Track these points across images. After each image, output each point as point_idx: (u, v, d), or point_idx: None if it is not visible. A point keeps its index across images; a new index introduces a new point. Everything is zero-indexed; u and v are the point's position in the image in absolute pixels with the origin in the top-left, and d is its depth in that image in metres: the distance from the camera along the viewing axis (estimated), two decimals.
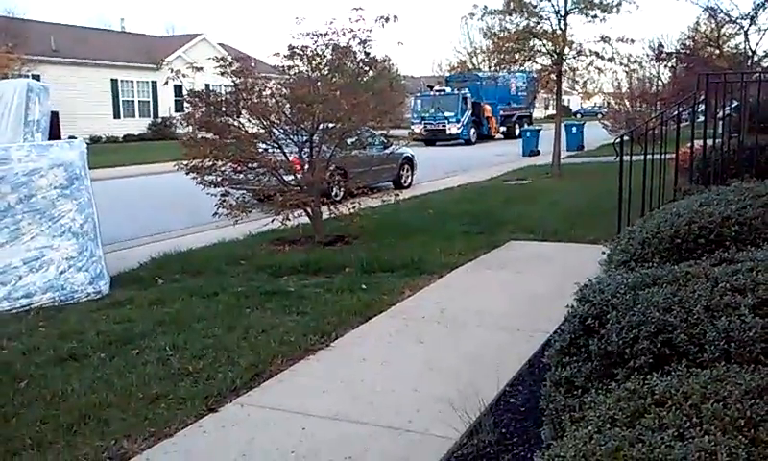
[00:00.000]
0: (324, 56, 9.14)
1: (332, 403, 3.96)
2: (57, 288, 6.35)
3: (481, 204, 12.20)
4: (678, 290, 2.85)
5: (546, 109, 67.66)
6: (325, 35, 8.96)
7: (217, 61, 8.61)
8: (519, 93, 38.19)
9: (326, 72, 9.23)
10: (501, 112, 38.24)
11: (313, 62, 9.04)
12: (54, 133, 7.21)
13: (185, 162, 8.35)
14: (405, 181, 16.08)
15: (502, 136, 37.78)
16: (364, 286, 6.52)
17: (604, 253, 4.40)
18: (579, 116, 59.24)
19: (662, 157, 7.47)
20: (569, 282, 3.59)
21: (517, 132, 34.48)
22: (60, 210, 6.43)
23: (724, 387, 2.10)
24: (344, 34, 8.96)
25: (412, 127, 34.16)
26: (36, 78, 28.67)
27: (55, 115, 7.30)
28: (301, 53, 8.77)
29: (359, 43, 9.11)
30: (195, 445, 3.57)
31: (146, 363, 4.57)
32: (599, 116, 37.70)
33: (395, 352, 4.83)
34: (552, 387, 2.87)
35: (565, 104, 76.60)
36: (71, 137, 8.13)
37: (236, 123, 8.84)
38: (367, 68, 9.68)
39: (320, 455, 3.38)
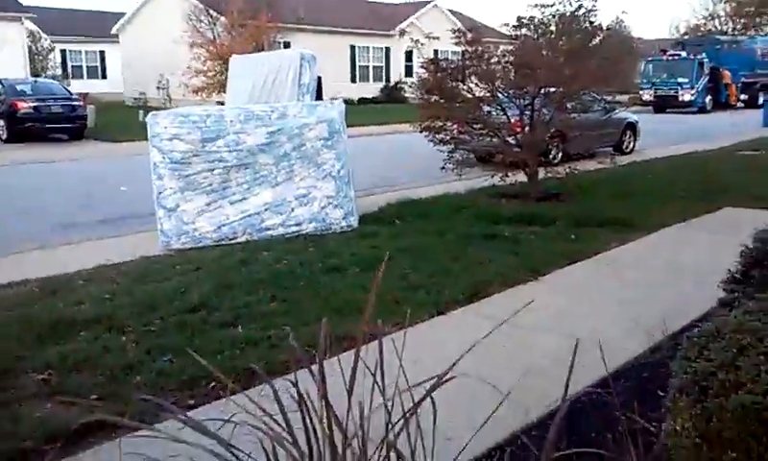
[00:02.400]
0: (550, 25, 9.81)
1: (538, 320, 4.86)
2: (319, 220, 7.89)
3: (704, 172, 12.11)
4: None
5: None
6: (552, 5, 9.62)
7: (453, 33, 9.65)
8: (765, 59, 35.00)
9: (551, 37, 9.88)
10: (743, 79, 35.33)
11: (539, 30, 9.76)
12: (318, 94, 8.76)
13: (419, 122, 9.58)
14: (627, 147, 16.09)
15: (743, 105, 34.97)
16: (573, 236, 7.28)
17: None
18: None
19: None
20: None
21: (760, 100, 31.81)
22: (323, 158, 7.93)
23: None
24: (570, 3, 9.55)
25: (641, 92, 32.93)
26: (287, 45, 32.10)
27: (319, 80, 8.84)
28: (528, 23, 9.51)
29: (584, 12, 9.64)
30: (425, 334, 4.68)
31: (390, 277, 5.79)
32: None
33: (594, 288, 5.59)
34: (718, 306, 3.53)
35: None
36: (332, 99, 9.70)
37: (465, 87, 9.85)
38: (593, 35, 10.17)
39: (526, 353, 4.32)
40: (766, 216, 8.73)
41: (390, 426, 1.84)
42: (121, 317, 5.05)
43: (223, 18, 29.25)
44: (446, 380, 1.84)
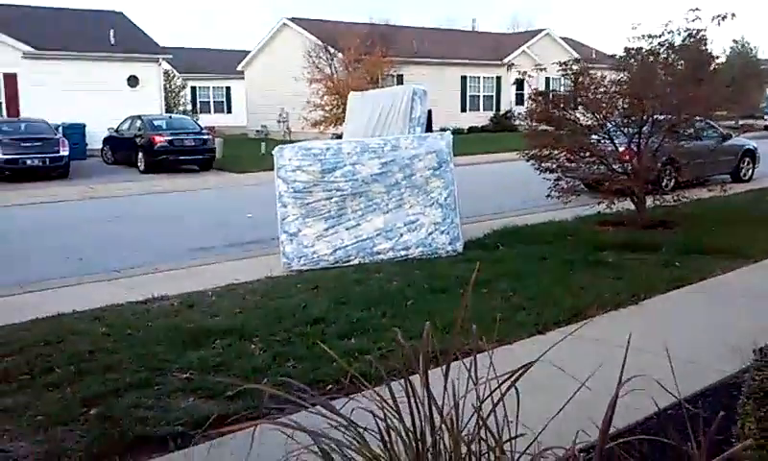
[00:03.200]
0: (659, 54, 9.89)
1: (634, 340, 5.06)
2: (426, 245, 8.38)
3: None
4: None
5: None
6: (660, 35, 9.71)
7: (560, 65, 9.94)
8: None
9: (660, 66, 9.94)
10: None
11: (648, 59, 9.86)
12: (428, 126, 9.29)
13: (526, 151, 9.89)
14: (745, 175, 15.60)
15: None
16: (677, 263, 7.36)
17: None
18: None
19: None
20: None
21: None
22: (431, 186, 8.42)
23: None
24: (679, 33, 9.61)
25: (765, 117, 31.41)
26: (400, 77, 33.15)
27: (429, 112, 9.37)
28: (636, 54, 9.65)
29: (694, 41, 9.66)
30: (527, 350, 5.01)
31: (493, 298, 6.17)
32: None
33: (694, 313, 5.72)
34: None
35: None
36: (442, 130, 10.21)
37: (572, 117, 10.08)
38: (703, 62, 10.15)
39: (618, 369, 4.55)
40: None
41: (480, 408, 2.25)
42: (250, 328, 5.70)
43: (340, 54, 30.65)
44: (529, 367, 2.23)
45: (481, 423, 2.11)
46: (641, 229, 9.41)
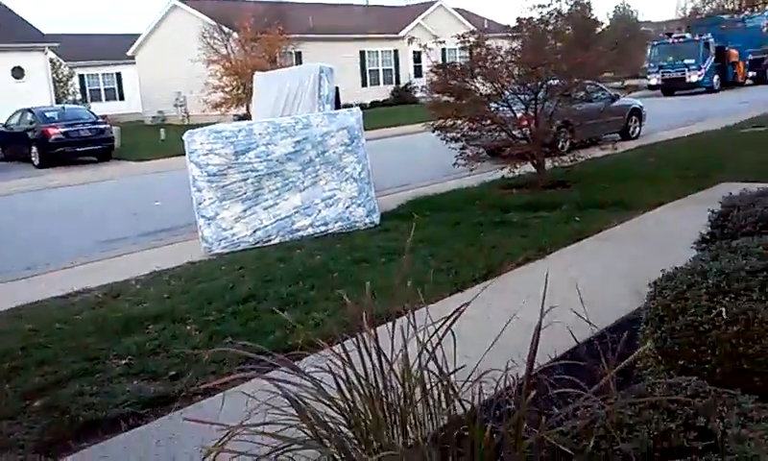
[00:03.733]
0: (549, 22, 10.49)
1: (537, 287, 5.54)
2: (344, 219, 8.65)
3: (705, 151, 12.71)
4: None
5: None
6: (549, 4, 10.31)
7: (457, 38, 10.36)
8: None
9: (550, 34, 10.55)
10: (750, 56, 35.61)
11: (538, 30, 10.45)
12: (337, 103, 9.52)
13: (431, 122, 10.30)
14: (633, 133, 16.66)
15: (751, 82, 35.28)
16: (577, 218, 7.97)
17: None
18: None
19: None
20: None
21: None
22: (345, 162, 8.68)
23: None
24: (566, 2, 10.24)
25: (648, 76, 33.38)
26: (299, 54, 32.97)
27: (336, 90, 9.60)
28: (527, 24, 10.20)
29: (580, 8, 10.31)
30: (450, 306, 5.38)
31: (414, 264, 6.52)
32: None
33: (596, 261, 6.28)
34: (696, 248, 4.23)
35: None
36: (345, 106, 10.45)
37: (472, 87, 10.55)
38: (589, 28, 10.85)
39: (536, 314, 5.00)
40: (756, 189, 9.40)
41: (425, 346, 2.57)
42: (181, 311, 5.82)
43: (235, 34, 30.16)
44: (463, 310, 2.56)
45: (427, 356, 2.41)
46: (542, 189, 10.03)
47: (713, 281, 3.02)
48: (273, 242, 8.42)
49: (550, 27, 10.35)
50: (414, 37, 10.08)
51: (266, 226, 8.53)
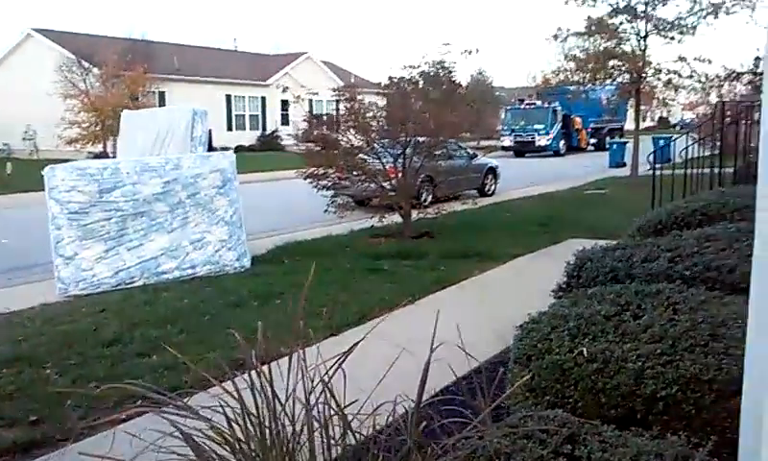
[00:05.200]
0: (418, 82, 11.07)
1: (416, 331, 5.77)
2: (213, 263, 8.52)
3: (554, 209, 13.73)
4: (632, 251, 4.52)
5: (644, 120, 67.09)
6: (418, 66, 10.89)
7: (334, 91, 10.68)
8: (610, 106, 38.89)
9: (418, 97, 11.15)
10: (592, 125, 39.04)
11: (408, 88, 10.99)
12: (209, 145, 9.44)
13: (303, 170, 10.46)
14: (489, 190, 17.72)
15: (593, 148, 38.59)
16: (443, 267, 8.36)
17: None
18: (678, 128, 58.37)
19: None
20: None
21: (607, 144, 35.33)
22: (217, 205, 8.59)
23: (643, 290, 3.79)
24: (433, 65, 10.85)
25: (501, 139, 35.62)
26: (162, 94, 32.19)
27: (209, 132, 9.52)
28: (398, 82, 10.71)
29: (446, 72, 10.97)
30: (327, 349, 5.47)
31: (287, 308, 6.55)
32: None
33: (463, 307, 6.61)
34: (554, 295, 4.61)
35: (664, 115, 75.51)
36: (224, 149, 10.37)
37: (344, 138, 10.86)
38: (453, 92, 11.54)
39: (407, 357, 5.20)
40: (603, 245, 10.36)
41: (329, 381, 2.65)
42: (40, 355, 5.48)
43: (96, 70, 28.99)
44: (354, 348, 2.68)
45: (322, 391, 2.51)
46: (409, 239, 10.41)
47: (574, 324, 3.35)
48: (136, 284, 8.13)
49: (419, 86, 10.91)
50: (287, 87, 10.20)
51: (129, 267, 8.23)
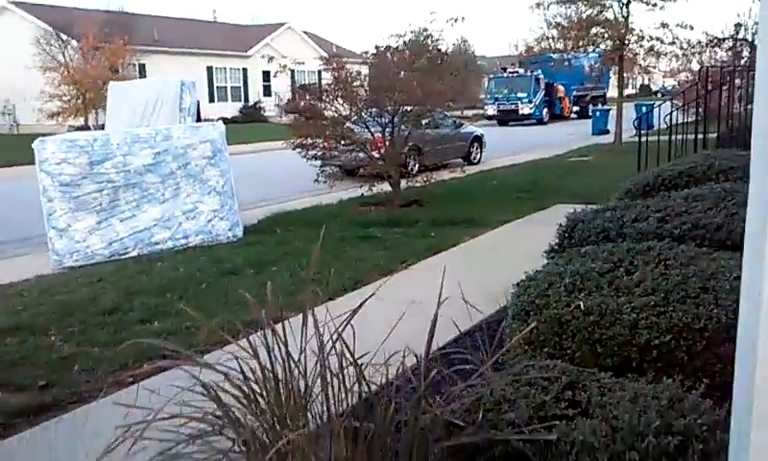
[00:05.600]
0: (404, 51, 11.10)
1: (410, 294, 5.92)
2: (205, 232, 8.58)
3: (539, 176, 13.89)
4: (622, 211, 4.67)
5: (626, 87, 67.27)
6: (404, 34, 10.92)
7: (322, 60, 10.67)
8: (593, 73, 39.02)
9: (404, 66, 11.18)
10: (574, 92, 39.18)
11: (395, 57, 11.01)
12: (198, 116, 9.44)
13: (293, 140, 10.50)
14: (474, 158, 17.84)
15: (576, 116, 38.78)
16: (432, 234, 8.49)
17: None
18: (660, 95, 58.55)
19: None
20: None
21: (590, 111, 35.50)
22: (208, 175, 8.63)
23: (634, 248, 3.94)
24: (420, 33, 10.87)
25: (485, 107, 35.69)
26: (143, 66, 31.83)
27: (198, 103, 9.52)
28: (385, 51, 10.73)
29: (432, 41, 11.01)
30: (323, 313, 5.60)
31: (282, 275, 6.66)
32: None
33: (454, 271, 6.70)
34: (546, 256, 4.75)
35: (645, 83, 75.82)
36: (207, 120, 10.37)
37: (333, 108, 10.89)
38: (439, 61, 11.59)
39: (407, 318, 5.35)
40: (594, 207, 10.56)
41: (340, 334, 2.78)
42: (41, 323, 5.56)
43: (75, 42, 28.57)
44: (363, 304, 2.80)
45: (333, 344, 2.63)
46: (398, 207, 10.52)
47: (570, 281, 3.49)
48: (130, 255, 8.18)
49: (405, 55, 10.94)
50: (273, 57, 10.16)
51: (122, 238, 8.28)
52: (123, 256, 8.13)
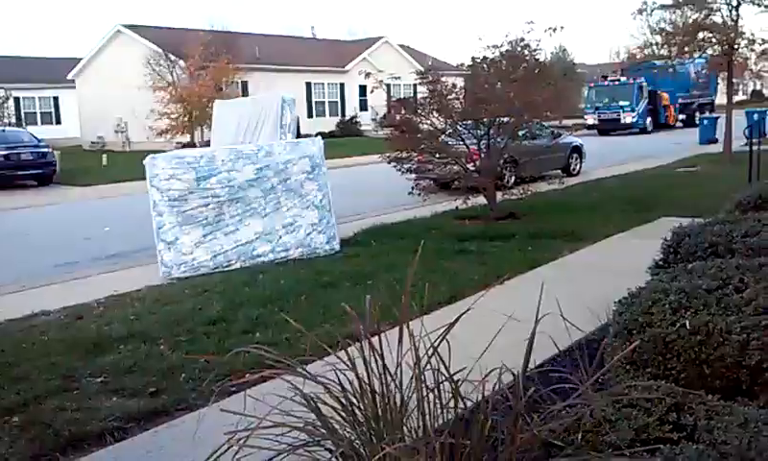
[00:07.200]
0: (502, 62, 11.01)
1: (506, 309, 5.84)
2: (304, 245, 8.81)
3: (644, 188, 13.41)
4: (732, 225, 4.45)
5: (735, 94, 63.93)
6: (501, 45, 10.83)
7: (417, 74, 10.76)
8: (699, 80, 37.33)
9: (501, 76, 11.08)
10: (680, 100, 37.54)
11: (491, 69, 10.94)
12: (297, 132, 9.72)
13: (388, 154, 10.63)
14: (574, 169, 17.43)
15: (681, 124, 37.15)
16: (530, 248, 8.36)
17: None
18: None
19: None
20: None
21: (697, 119, 33.94)
22: (307, 189, 8.87)
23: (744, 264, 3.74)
24: (517, 44, 10.76)
25: (585, 117, 34.76)
26: (245, 84, 33.06)
27: (297, 119, 9.81)
28: (482, 62, 10.69)
29: (530, 51, 10.86)
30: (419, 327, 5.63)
31: (379, 288, 6.73)
32: None
33: (552, 286, 6.58)
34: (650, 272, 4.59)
35: (757, 88, 71.75)
36: (312, 135, 10.66)
37: (428, 121, 10.94)
38: (536, 70, 11.41)
39: (503, 334, 5.30)
40: (702, 221, 10.08)
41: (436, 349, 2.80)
42: (152, 332, 5.87)
43: (182, 62, 30.08)
44: (459, 318, 2.80)
45: (429, 360, 2.65)
46: (494, 221, 10.43)
47: (675, 298, 3.36)
48: (233, 267, 8.50)
49: (502, 66, 10.85)
50: (370, 73, 10.36)
51: (226, 251, 8.61)
52: (226, 269, 8.47)
